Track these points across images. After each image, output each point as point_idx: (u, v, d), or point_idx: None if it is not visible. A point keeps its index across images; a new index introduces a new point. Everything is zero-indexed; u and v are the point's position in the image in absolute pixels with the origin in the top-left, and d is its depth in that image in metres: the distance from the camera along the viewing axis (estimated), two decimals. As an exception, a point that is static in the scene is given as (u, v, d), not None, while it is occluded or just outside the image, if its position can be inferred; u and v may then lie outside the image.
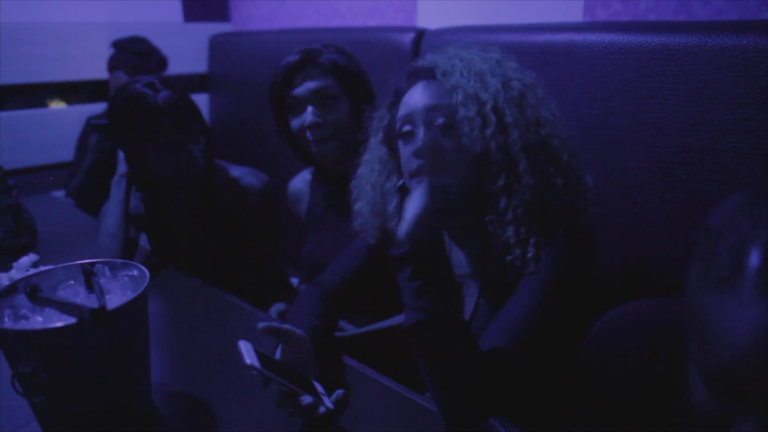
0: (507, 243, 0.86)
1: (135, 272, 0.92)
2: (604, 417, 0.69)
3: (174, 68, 2.31)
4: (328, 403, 0.82)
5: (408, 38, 1.63)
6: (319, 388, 0.85)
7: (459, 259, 0.99)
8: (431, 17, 1.91)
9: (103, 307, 0.74)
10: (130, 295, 0.85)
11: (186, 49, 2.57)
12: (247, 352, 0.78)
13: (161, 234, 1.55)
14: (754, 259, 0.41)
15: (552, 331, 0.82)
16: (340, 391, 0.87)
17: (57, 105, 2.48)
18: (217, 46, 2.58)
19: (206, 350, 1.09)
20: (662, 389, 0.65)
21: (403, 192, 0.91)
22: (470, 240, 0.96)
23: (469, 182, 0.88)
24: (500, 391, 0.76)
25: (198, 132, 1.40)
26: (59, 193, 2.28)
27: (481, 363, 0.76)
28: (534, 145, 0.86)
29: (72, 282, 0.91)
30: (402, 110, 0.92)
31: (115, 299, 0.86)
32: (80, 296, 0.87)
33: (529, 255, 0.84)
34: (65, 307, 0.77)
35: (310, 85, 1.29)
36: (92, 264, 0.92)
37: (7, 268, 1.40)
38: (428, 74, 0.91)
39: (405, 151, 0.91)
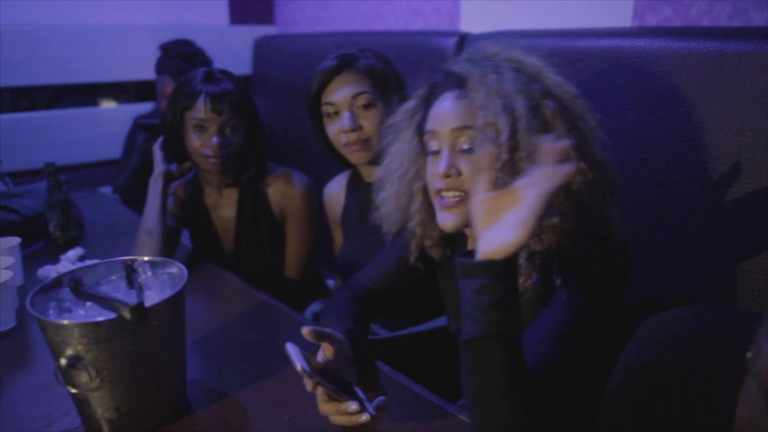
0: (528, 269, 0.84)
1: (174, 270, 0.94)
2: (642, 424, 0.66)
3: (219, 70, 2.36)
4: (370, 409, 0.81)
5: (450, 42, 1.61)
6: (360, 393, 0.84)
7: None
8: (475, 21, 1.88)
9: (141, 304, 0.76)
10: (168, 292, 0.86)
11: (231, 51, 2.63)
12: (296, 355, 0.77)
13: (203, 232, 1.58)
14: None
15: (584, 351, 0.80)
16: (381, 398, 0.87)
17: (107, 104, 2.57)
18: (261, 48, 2.63)
19: (241, 349, 1.10)
20: (700, 395, 0.62)
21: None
22: None
23: None
24: (540, 414, 0.74)
25: (239, 119, 1.45)
26: (107, 189, 2.36)
27: (528, 386, 0.73)
28: None
29: (114, 277, 0.94)
30: (430, 123, 0.91)
31: (154, 296, 0.88)
32: (121, 292, 0.90)
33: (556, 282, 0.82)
34: (105, 302, 0.80)
35: (347, 90, 1.29)
36: (133, 261, 0.94)
37: (55, 261, 1.45)
38: (460, 84, 0.88)
39: (430, 167, 0.90)
